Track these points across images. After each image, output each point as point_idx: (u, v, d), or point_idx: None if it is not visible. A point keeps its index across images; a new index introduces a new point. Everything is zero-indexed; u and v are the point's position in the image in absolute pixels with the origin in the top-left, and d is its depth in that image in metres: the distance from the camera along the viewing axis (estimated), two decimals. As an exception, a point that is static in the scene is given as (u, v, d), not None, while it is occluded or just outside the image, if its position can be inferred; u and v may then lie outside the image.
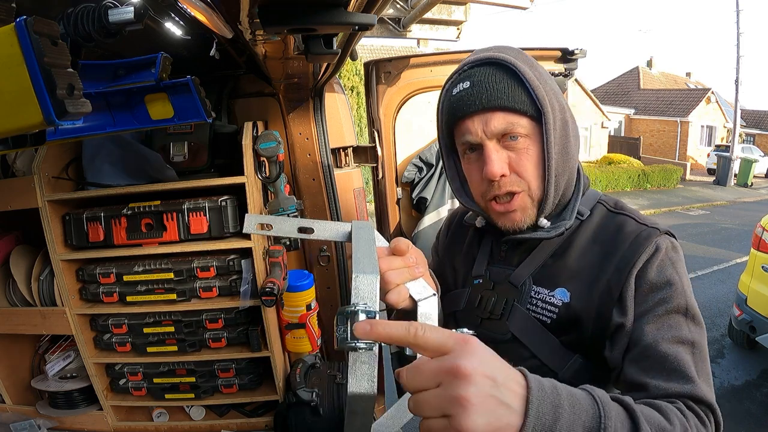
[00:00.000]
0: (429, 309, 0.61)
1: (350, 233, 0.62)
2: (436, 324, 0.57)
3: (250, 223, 0.62)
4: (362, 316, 0.45)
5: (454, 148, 0.82)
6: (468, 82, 0.72)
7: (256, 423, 1.59)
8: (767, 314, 3.04)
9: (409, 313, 0.65)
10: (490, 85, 0.71)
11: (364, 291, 0.48)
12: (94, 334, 1.55)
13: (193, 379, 1.56)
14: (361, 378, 0.45)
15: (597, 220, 0.78)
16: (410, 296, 0.63)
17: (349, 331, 0.45)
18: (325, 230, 0.63)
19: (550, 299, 0.75)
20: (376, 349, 0.46)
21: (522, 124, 0.71)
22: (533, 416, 0.43)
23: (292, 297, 1.50)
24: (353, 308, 0.46)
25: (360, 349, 0.45)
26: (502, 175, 0.72)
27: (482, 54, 0.74)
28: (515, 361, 0.67)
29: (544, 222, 0.77)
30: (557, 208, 0.78)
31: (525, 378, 0.45)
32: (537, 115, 0.71)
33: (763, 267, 3.11)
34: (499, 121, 0.70)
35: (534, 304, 0.76)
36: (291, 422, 1.45)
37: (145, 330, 1.52)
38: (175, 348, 1.51)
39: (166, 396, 1.59)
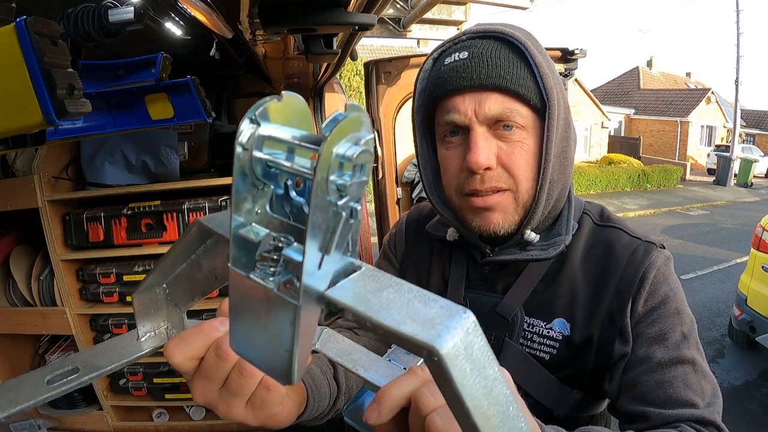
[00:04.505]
0: None
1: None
2: None
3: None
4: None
5: (431, 129, 0.68)
6: (466, 53, 0.60)
7: (256, 423, 1.59)
8: (767, 314, 3.04)
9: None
10: (491, 60, 0.59)
11: None
12: (94, 334, 1.55)
13: (193, 379, 1.56)
14: None
15: (586, 234, 0.68)
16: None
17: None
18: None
19: (548, 332, 0.64)
20: None
21: (521, 113, 0.60)
22: None
23: (292, 297, 1.50)
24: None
25: None
26: (487, 168, 0.60)
27: (487, 26, 0.62)
28: None
29: (532, 236, 0.65)
30: (546, 221, 0.67)
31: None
32: (540, 107, 0.61)
33: (763, 267, 3.11)
34: (494, 103, 0.59)
35: (528, 339, 0.65)
36: (291, 422, 1.45)
37: (145, 330, 1.52)
38: (175, 348, 1.51)
39: (166, 396, 1.59)
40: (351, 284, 0.24)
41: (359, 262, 0.25)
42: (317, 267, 0.23)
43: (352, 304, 0.22)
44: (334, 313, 0.24)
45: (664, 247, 0.66)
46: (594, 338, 0.62)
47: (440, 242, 0.76)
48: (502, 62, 0.59)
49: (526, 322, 0.66)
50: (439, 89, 0.63)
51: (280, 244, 0.25)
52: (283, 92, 0.24)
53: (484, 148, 0.60)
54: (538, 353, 0.65)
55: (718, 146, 17.52)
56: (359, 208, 0.23)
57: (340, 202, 0.22)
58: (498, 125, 0.60)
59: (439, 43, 0.68)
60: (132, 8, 0.69)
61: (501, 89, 0.59)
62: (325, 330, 0.41)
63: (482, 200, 0.62)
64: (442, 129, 0.65)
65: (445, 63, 0.62)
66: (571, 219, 0.67)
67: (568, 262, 0.66)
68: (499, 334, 0.66)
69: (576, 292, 0.64)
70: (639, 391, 0.58)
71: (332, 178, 0.21)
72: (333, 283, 0.24)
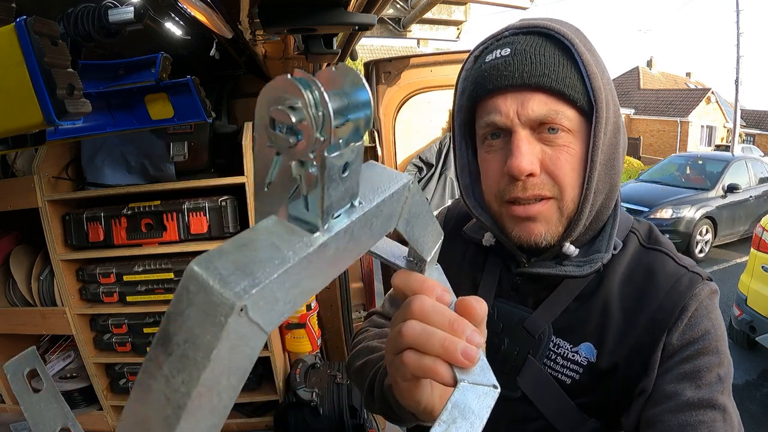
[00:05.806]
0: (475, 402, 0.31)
1: None
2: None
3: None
4: None
5: (472, 131, 0.65)
6: (508, 50, 0.57)
7: (256, 423, 1.59)
8: (767, 314, 3.04)
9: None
10: (536, 58, 0.55)
11: None
12: (94, 334, 1.55)
13: (193, 379, 1.56)
14: None
15: (630, 255, 0.63)
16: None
17: None
18: None
19: (573, 356, 0.60)
20: None
21: (567, 116, 0.56)
22: None
23: (292, 297, 1.50)
24: None
25: None
26: (530, 174, 0.56)
27: (532, 21, 0.59)
28: (521, 421, 0.62)
29: (570, 249, 0.60)
30: (586, 234, 0.63)
31: None
32: (587, 109, 0.57)
33: (763, 267, 3.11)
34: (538, 104, 0.55)
35: (552, 360, 0.62)
36: (291, 422, 1.45)
37: (145, 330, 1.52)
38: (175, 348, 1.51)
39: (166, 396, 1.59)
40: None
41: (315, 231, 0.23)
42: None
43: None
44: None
45: (711, 280, 0.61)
46: (619, 368, 0.58)
47: (475, 245, 0.72)
48: (547, 60, 0.55)
49: (552, 341, 0.62)
50: (479, 88, 0.59)
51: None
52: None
53: (527, 153, 0.56)
54: (559, 376, 0.61)
55: (718, 146, 17.52)
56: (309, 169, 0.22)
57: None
58: (542, 128, 0.57)
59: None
60: (132, 8, 0.69)
61: (545, 89, 0.55)
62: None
63: (524, 209, 0.58)
64: (482, 131, 0.61)
65: (486, 60, 0.59)
66: (613, 235, 0.62)
67: (605, 283, 0.61)
68: (523, 350, 0.63)
69: (609, 316, 0.60)
70: (659, 430, 0.53)
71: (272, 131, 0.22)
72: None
